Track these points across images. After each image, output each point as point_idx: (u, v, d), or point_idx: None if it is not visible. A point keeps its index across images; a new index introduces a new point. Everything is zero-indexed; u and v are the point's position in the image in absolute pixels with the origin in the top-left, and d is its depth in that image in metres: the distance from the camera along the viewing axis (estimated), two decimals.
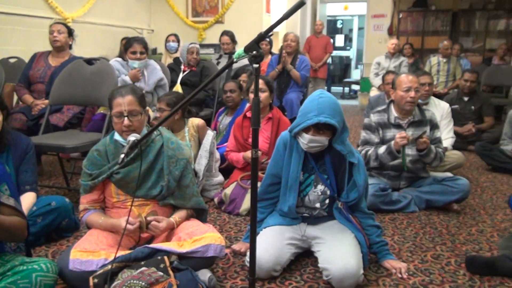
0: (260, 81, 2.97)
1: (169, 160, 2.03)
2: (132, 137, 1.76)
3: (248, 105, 3.51)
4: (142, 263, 1.74)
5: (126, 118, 1.95)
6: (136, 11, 7.02)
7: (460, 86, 5.16)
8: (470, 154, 4.54)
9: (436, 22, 9.04)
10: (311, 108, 1.91)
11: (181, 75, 4.44)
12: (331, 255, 1.93)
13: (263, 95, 2.99)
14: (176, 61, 4.70)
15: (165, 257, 1.75)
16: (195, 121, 3.14)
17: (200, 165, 3.05)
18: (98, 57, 3.42)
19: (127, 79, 3.51)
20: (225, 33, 5.34)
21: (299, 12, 8.29)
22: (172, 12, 7.33)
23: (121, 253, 1.78)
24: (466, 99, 4.96)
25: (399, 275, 2.05)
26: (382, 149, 2.89)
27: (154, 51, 7.06)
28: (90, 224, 2.01)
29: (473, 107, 4.94)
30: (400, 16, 9.18)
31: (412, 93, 2.85)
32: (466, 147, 4.67)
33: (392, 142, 2.83)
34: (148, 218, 1.93)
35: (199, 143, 3.13)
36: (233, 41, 5.30)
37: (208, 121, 4.18)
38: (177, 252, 1.81)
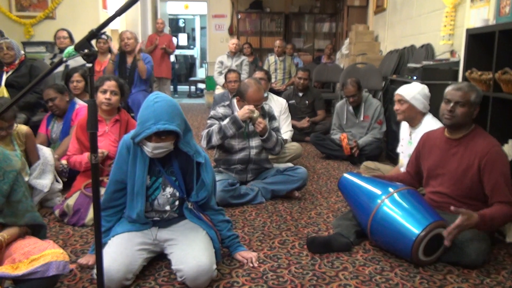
0: (113, 83, 2.82)
1: None
2: None
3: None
4: None
5: None
6: None
7: (295, 83, 5.66)
8: (306, 145, 4.99)
9: (271, 24, 9.71)
10: (148, 116, 1.87)
11: (4, 76, 3.94)
12: (183, 255, 1.92)
13: (114, 98, 2.85)
14: None
15: None
16: (21, 129, 2.79)
17: (45, 180, 2.80)
18: None
19: None
20: (62, 28, 5.01)
21: (138, 10, 8.07)
22: None
23: None
24: (301, 94, 5.47)
25: (251, 265, 2.15)
26: (226, 120, 2.99)
27: None
28: None
29: (307, 102, 5.46)
30: (239, 17, 9.60)
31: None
32: (303, 138, 5.14)
33: (237, 113, 2.96)
34: None
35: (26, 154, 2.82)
36: (71, 37, 4.94)
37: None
38: (11, 276, 1.61)
